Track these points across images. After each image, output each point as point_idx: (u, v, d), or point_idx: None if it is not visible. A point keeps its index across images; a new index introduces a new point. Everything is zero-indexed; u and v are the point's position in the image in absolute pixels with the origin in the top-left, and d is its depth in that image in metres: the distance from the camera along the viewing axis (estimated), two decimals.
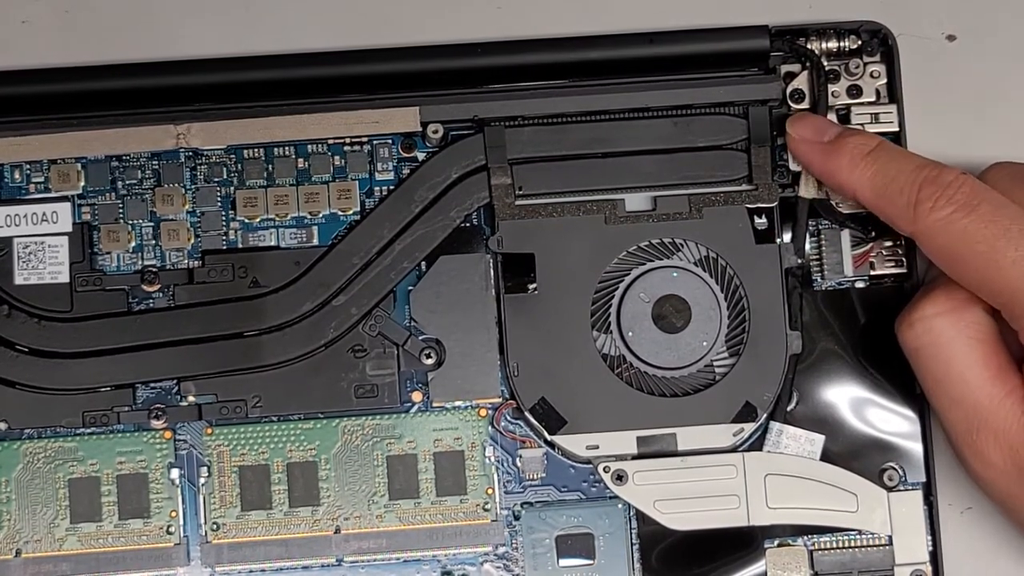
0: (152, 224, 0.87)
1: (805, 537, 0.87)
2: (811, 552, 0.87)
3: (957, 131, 0.89)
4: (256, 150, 0.87)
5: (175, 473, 0.86)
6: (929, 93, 0.89)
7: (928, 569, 0.86)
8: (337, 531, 0.85)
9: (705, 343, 0.87)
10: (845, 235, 0.88)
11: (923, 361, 0.81)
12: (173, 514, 0.85)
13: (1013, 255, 0.77)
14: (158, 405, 0.86)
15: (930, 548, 0.87)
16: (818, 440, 0.87)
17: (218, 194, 0.87)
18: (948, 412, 0.81)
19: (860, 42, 0.88)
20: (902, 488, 0.87)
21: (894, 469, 0.87)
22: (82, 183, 0.87)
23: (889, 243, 0.88)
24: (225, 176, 0.87)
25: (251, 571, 0.86)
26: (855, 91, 0.88)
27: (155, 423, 0.86)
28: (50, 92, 0.86)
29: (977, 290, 0.79)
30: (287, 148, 0.87)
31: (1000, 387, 0.79)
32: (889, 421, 0.87)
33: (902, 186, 0.80)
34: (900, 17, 0.88)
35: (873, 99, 0.88)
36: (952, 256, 0.79)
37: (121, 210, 0.87)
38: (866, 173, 0.81)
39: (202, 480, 0.86)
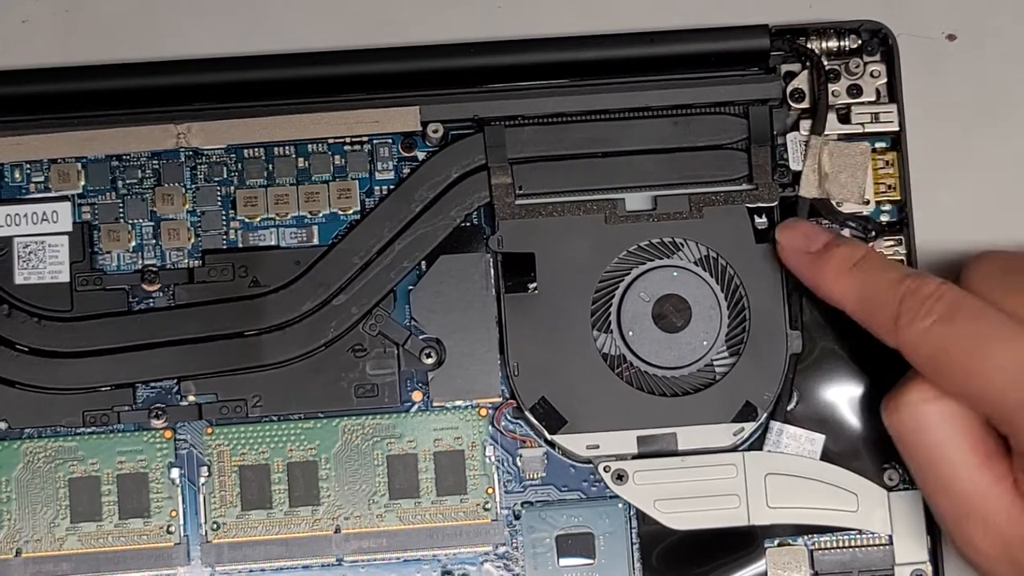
0: (152, 224, 0.87)
1: (805, 537, 0.87)
2: (811, 551, 0.87)
3: (957, 131, 0.89)
4: (256, 149, 0.87)
5: (175, 473, 0.86)
6: (929, 93, 0.89)
7: (928, 569, 0.86)
8: (337, 531, 0.85)
9: (705, 342, 0.87)
10: (846, 234, 0.88)
11: (909, 447, 0.81)
12: (173, 513, 0.85)
13: (993, 363, 0.77)
14: (158, 405, 0.86)
15: (930, 548, 0.87)
16: (818, 440, 0.87)
17: (218, 193, 0.87)
18: (936, 498, 0.80)
19: (860, 42, 0.88)
20: (902, 488, 0.87)
21: (894, 469, 0.87)
22: (82, 183, 0.87)
23: (889, 243, 0.88)
24: (225, 175, 0.87)
25: (251, 571, 0.86)
26: (855, 90, 0.88)
27: (155, 422, 0.85)
28: (50, 92, 0.86)
29: (962, 398, 0.78)
30: (287, 147, 0.87)
31: (988, 474, 0.79)
32: None
33: (884, 299, 0.80)
34: (900, 17, 0.88)
35: (873, 99, 0.88)
36: (935, 366, 0.79)
37: (121, 210, 0.87)
38: (851, 285, 0.82)
39: (202, 479, 0.85)
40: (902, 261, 0.88)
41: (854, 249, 0.83)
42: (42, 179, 0.87)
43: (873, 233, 0.88)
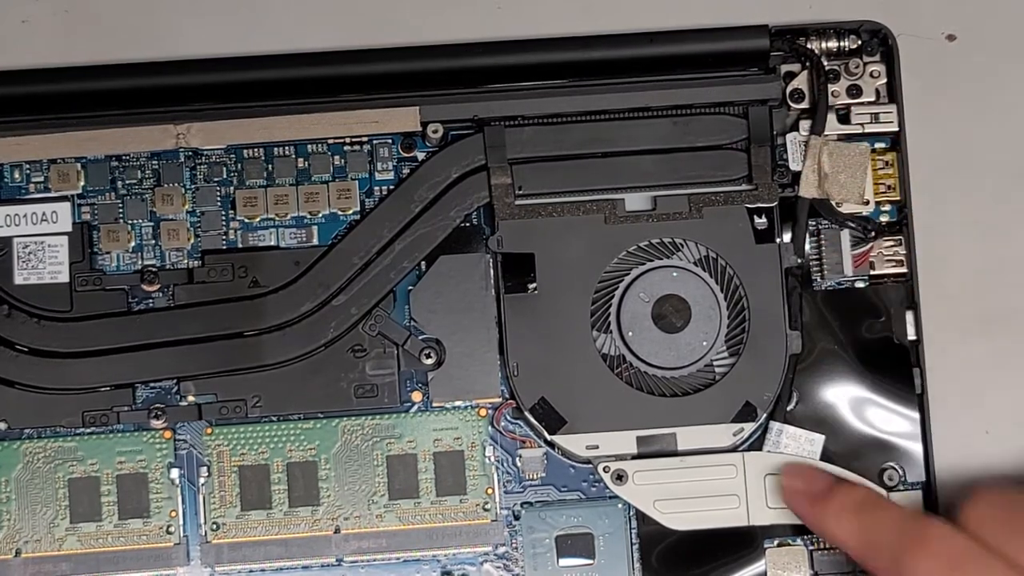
0: (152, 224, 0.87)
1: (805, 537, 0.87)
2: (811, 552, 0.87)
3: (957, 131, 0.89)
4: (256, 150, 0.87)
5: (175, 473, 0.86)
6: (929, 93, 0.89)
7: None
8: (337, 531, 0.85)
9: (705, 343, 0.87)
10: (845, 235, 0.88)
11: None
12: (173, 514, 0.85)
13: None
14: (158, 405, 0.86)
15: None
16: (818, 440, 0.87)
17: (218, 194, 0.87)
18: None
19: (860, 42, 0.88)
20: (902, 488, 0.87)
21: (894, 469, 0.87)
22: (82, 183, 0.87)
23: (889, 243, 0.88)
24: (225, 176, 0.87)
25: (251, 571, 0.86)
26: (855, 91, 0.88)
27: (155, 423, 0.86)
28: (50, 92, 0.86)
29: None
30: (287, 148, 0.87)
31: None
32: (889, 421, 0.87)
33: (886, 542, 0.79)
34: (900, 17, 0.88)
35: (873, 99, 0.88)
36: None
37: (121, 210, 0.87)
38: (851, 528, 0.81)
39: (202, 480, 0.85)
40: (902, 262, 0.88)
41: (855, 491, 0.83)
42: (42, 179, 0.87)
43: (873, 233, 0.88)
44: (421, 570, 0.86)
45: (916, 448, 0.87)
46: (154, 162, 0.87)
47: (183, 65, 0.87)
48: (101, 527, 0.85)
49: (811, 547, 0.87)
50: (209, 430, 0.86)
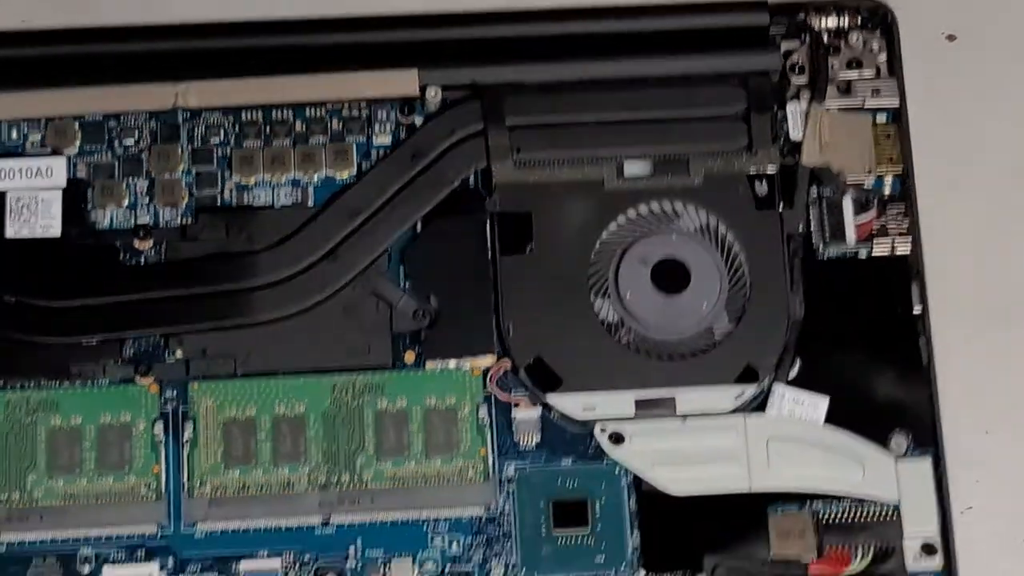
0: (147, 182, 0.86)
1: (809, 503, 0.83)
2: (815, 519, 0.83)
3: (960, 102, 0.88)
4: (254, 112, 0.87)
5: (159, 428, 0.83)
6: (930, 66, 0.88)
7: (938, 539, 0.83)
8: (324, 488, 0.82)
9: (705, 307, 0.85)
10: (847, 203, 0.87)
11: None
12: (156, 469, 0.83)
13: None
14: (145, 359, 0.84)
15: (940, 518, 0.83)
16: (822, 404, 0.84)
17: (214, 154, 0.87)
18: None
19: (860, 18, 0.88)
20: (910, 456, 0.84)
21: (902, 436, 0.84)
22: (79, 140, 0.87)
23: (894, 211, 0.87)
24: (222, 137, 0.87)
25: (234, 528, 0.83)
26: (855, 64, 0.88)
27: (141, 378, 0.83)
28: (44, 55, 0.86)
29: None
30: (285, 110, 0.87)
31: None
32: (896, 387, 0.85)
33: None
34: None
35: (874, 74, 0.88)
36: None
37: (116, 168, 0.87)
38: None
39: (187, 435, 0.83)
40: (905, 232, 0.86)
41: None
42: (39, 137, 0.87)
43: (875, 203, 0.87)
44: (410, 530, 0.83)
45: (924, 415, 0.84)
46: (151, 122, 0.87)
47: (181, 30, 0.87)
48: (82, 481, 0.82)
49: (815, 514, 0.83)
50: (196, 385, 0.83)
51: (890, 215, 0.87)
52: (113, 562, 0.82)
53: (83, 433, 0.83)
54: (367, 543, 0.83)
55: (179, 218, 0.86)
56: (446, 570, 0.83)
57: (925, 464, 0.84)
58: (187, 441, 0.83)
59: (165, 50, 0.87)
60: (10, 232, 0.85)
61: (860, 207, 0.87)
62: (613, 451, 0.83)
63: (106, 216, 0.86)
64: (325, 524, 0.83)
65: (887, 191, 0.88)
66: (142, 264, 0.86)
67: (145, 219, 0.86)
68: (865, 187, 0.87)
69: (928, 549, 0.83)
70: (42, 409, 0.83)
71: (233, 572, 0.82)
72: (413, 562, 0.83)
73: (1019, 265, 0.87)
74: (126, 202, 0.86)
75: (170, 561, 0.83)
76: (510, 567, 0.83)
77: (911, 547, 0.83)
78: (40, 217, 0.85)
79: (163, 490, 0.83)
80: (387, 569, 0.83)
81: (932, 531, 0.83)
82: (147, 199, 0.86)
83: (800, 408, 0.84)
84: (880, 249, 0.87)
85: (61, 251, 0.85)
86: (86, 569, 0.82)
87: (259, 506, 0.83)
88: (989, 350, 0.85)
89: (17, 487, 0.82)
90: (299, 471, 0.83)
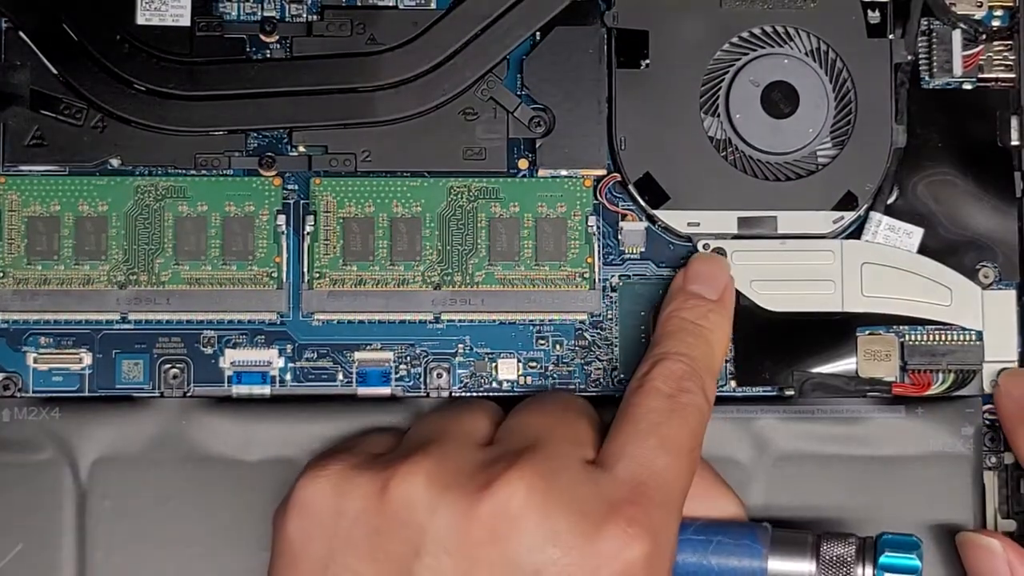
0: None
1: (897, 327, 0.87)
2: (902, 342, 0.87)
3: None
4: None
5: (281, 220, 0.87)
6: None
7: (1016, 367, 0.87)
8: (437, 287, 0.86)
9: (811, 130, 0.87)
10: (956, 35, 0.88)
11: None
12: (277, 259, 0.86)
13: None
14: (269, 153, 0.87)
15: (1019, 347, 0.87)
16: (916, 233, 0.87)
17: None
18: None
19: None
20: (996, 287, 0.88)
21: (989, 268, 0.88)
22: None
23: (1000, 47, 0.88)
24: None
25: (350, 320, 0.87)
26: None
27: (264, 171, 0.87)
28: None
29: None
30: None
31: None
32: (988, 221, 0.88)
33: None
34: None
35: None
36: None
37: None
38: None
39: (308, 229, 0.86)
40: (1011, 67, 0.88)
41: None
42: None
43: (984, 36, 0.88)
44: (516, 331, 0.87)
45: (1013, 250, 0.88)
46: None
47: None
48: (205, 267, 0.86)
49: (902, 338, 0.87)
50: (318, 180, 0.87)
51: (996, 48, 0.89)
52: (235, 346, 0.87)
53: (208, 221, 0.86)
54: (475, 340, 0.87)
55: (305, 13, 0.88)
56: (548, 369, 0.87)
57: (1010, 295, 0.87)
58: (308, 234, 0.86)
59: None
60: (141, 19, 0.87)
61: (969, 39, 0.89)
62: None
63: (234, 8, 0.88)
64: (436, 321, 0.87)
65: (996, 24, 0.89)
66: (268, 58, 0.87)
67: (271, 12, 0.88)
68: (975, 19, 0.88)
69: None
70: (170, 196, 0.87)
71: (348, 360, 0.87)
72: (518, 361, 0.87)
73: None
74: None
75: (288, 347, 0.87)
76: (608, 371, 0.87)
77: (990, 372, 0.87)
78: (170, 7, 0.87)
79: (284, 279, 0.86)
80: (494, 366, 0.87)
81: (1012, 358, 0.87)
82: None
83: (895, 236, 0.87)
84: (985, 82, 0.88)
85: (190, 41, 0.87)
86: (209, 350, 0.87)
87: (374, 301, 0.86)
88: None
89: (145, 270, 0.86)
90: (414, 269, 0.86)
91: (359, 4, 0.88)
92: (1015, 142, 0.88)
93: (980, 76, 0.89)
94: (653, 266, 0.88)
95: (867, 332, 0.87)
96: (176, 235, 0.86)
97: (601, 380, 0.87)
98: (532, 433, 0.76)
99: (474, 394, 0.87)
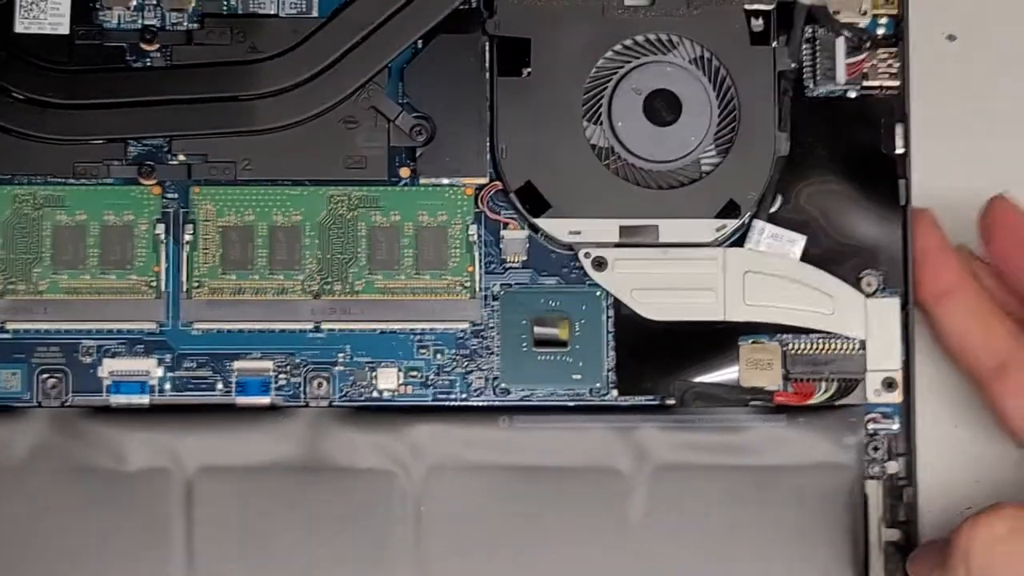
0: None
1: (780, 336, 0.87)
2: (784, 351, 0.87)
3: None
4: None
5: (160, 229, 0.86)
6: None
7: (899, 376, 0.87)
8: (317, 296, 0.86)
9: (693, 139, 0.87)
10: (840, 43, 0.88)
11: None
12: (156, 269, 0.86)
13: None
14: (148, 162, 0.86)
15: (903, 356, 0.87)
16: (799, 241, 0.87)
17: None
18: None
19: None
20: (879, 295, 0.87)
21: (873, 276, 0.87)
22: None
23: (884, 54, 0.88)
24: None
25: (229, 330, 0.86)
26: None
27: (144, 180, 0.86)
28: None
29: None
30: None
31: None
32: (871, 229, 0.88)
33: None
34: None
35: None
36: None
37: None
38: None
39: (187, 237, 0.86)
40: (895, 75, 0.88)
41: None
42: None
43: (868, 44, 0.88)
44: (397, 340, 0.87)
45: (896, 257, 0.87)
46: None
47: None
48: (84, 276, 0.86)
49: (785, 347, 0.87)
50: (197, 189, 0.86)
51: (881, 56, 0.88)
52: (113, 355, 0.86)
53: (87, 230, 0.86)
54: (356, 350, 0.87)
55: (185, 22, 0.88)
56: (429, 379, 0.87)
57: (893, 303, 0.87)
58: (187, 243, 0.86)
59: None
60: (20, 28, 0.87)
61: (853, 47, 0.88)
62: (595, 275, 0.86)
63: (114, 16, 0.88)
64: (316, 330, 0.86)
65: (880, 32, 0.89)
66: (148, 66, 0.87)
67: (152, 20, 0.87)
68: (859, 27, 0.88)
69: (889, 384, 0.87)
70: (48, 205, 0.86)
71: (228, 370, 0.86)
72: (399, 370, 0.87)
73: (1003, 113, 0.89)
74: (134, 3, 0.88)
75: (167, 357, 0.86)
76: (490, 380, 0.87)
77: (873, 381, 0.87)
78: (49, 15, 0.87)
79: (163, 289, 0.86)
80: (374, 375, 0.86)
81: (896, 366, 0.87)
82: (155, 1, 0.87)
83: (778, 244, 0.87)
84: (869, 90, 0.88)
85: (69, 49, 0.86)
86: (87, 360, 0.86)
87: (254, 310, 0.86)
88: (970, 185, 0.88)
89: (23, 279, 0.86)
90: (293, 279, 0.86)
91: (240, 13, 0.88)
92: (900, 150, 0.88)
93: (864, 84, 0.88)
94: (535, 275, 0.87)
95: (750, 341, 0.87)
96: (54, 244, 0.86)
97: (482, 389, 0.87)
98: None
99: (354, 404, 0.86)
